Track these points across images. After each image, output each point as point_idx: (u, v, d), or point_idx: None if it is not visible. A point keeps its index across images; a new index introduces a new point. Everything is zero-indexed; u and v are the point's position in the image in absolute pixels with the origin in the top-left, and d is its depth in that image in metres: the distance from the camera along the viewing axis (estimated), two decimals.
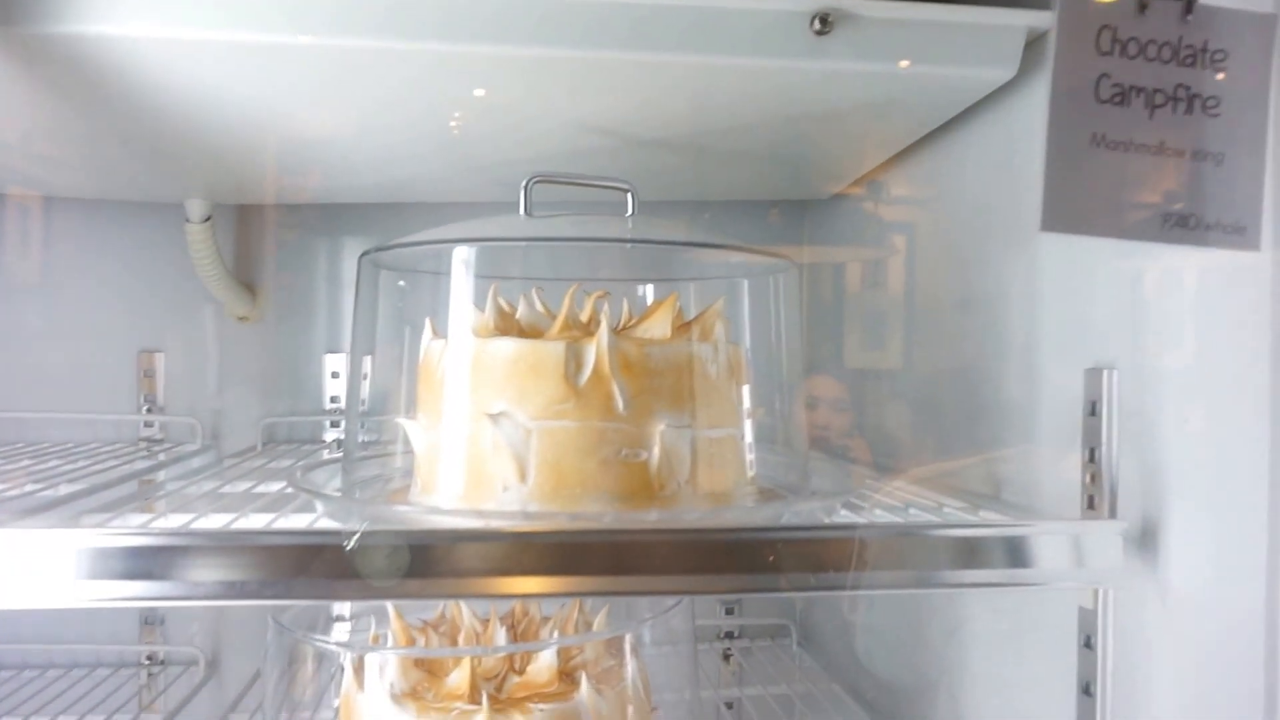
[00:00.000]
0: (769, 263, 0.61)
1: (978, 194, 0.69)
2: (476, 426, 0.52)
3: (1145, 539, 0.52)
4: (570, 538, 0.47)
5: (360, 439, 0.64)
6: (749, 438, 0.58)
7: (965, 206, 0.71)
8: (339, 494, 0.56)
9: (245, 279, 1.00)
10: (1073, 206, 0.47)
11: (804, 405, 0.63)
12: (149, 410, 0.97)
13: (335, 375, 1.00)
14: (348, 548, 0.44)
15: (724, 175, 0.87)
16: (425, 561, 0.45)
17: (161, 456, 0.83)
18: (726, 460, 0.55)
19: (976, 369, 0.68)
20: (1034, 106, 0.60)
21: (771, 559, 0.48)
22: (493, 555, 0.46)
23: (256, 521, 0.52)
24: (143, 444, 0.93)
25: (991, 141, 0.67)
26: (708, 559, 0.48)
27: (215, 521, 0.51)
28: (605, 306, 0.56)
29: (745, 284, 0.62)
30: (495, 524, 0.49)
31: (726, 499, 0.55)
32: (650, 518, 0.51)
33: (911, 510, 0.57)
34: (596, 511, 0.50)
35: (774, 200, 1.00)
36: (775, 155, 0.80)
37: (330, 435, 1.00)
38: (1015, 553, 0.51)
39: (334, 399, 1.00)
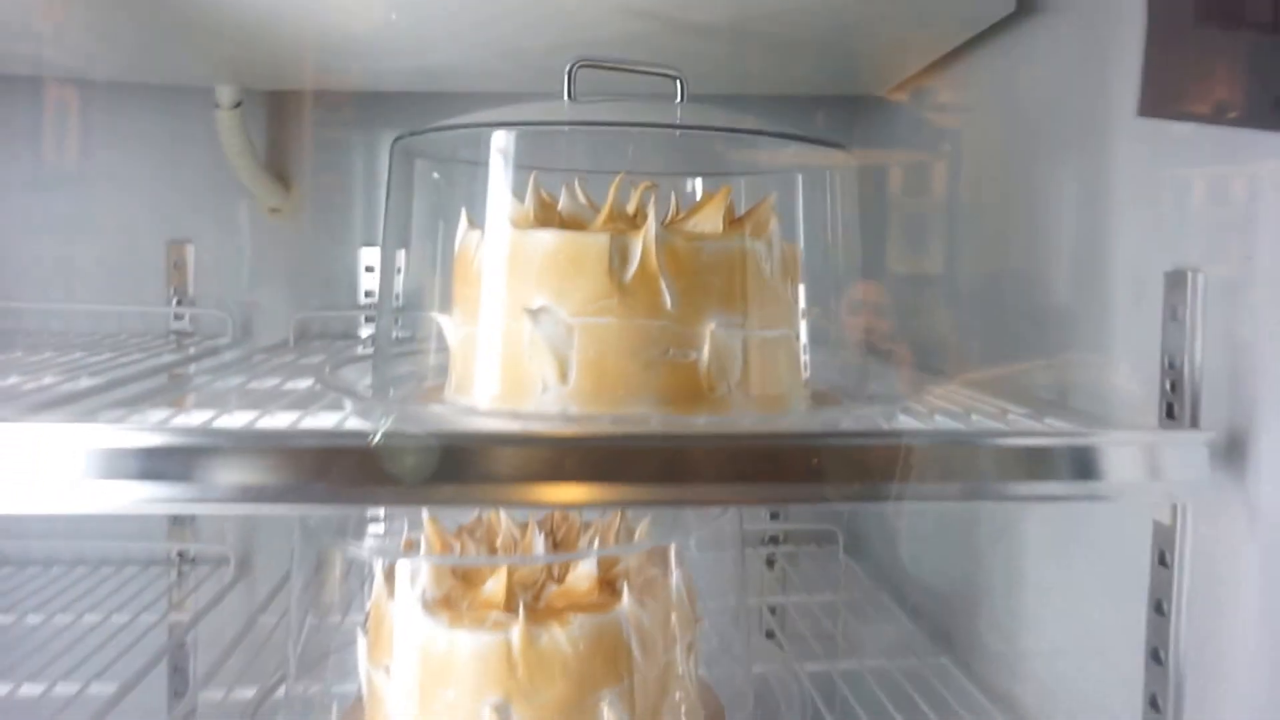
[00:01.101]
0: (826, 156, 0.57)
1: (1044, 92, 0.66)
2: (515, 323, 0.50)
3: (1231, 452, 0.48)
4: (613, 443, 0.45)
5: (394, 335, 0.62)
6: (803, 339, 0.56)
7: (1031, 106, 0.68)
8: (369, 392, 0.55)
9: (278, 170, 0.98)
10: (1174, 90, 0.42)
11: (861, 308, 0.60)
12: (178, 303, 0.96)
13: (370, 270, 0.98)
14: (371, 443, 0.41)
15: (770, 65, 0.84)
16: (458, 466, 0.43)
17: (191, 350, 0.82)
18: (779, 362, 0.53)
19: (1040, 274, 0.66)
20: None
21: (827, 467, 0.46)
22: (530, 460, 0.43)
23: (281, 421, 0.49)
24: (172, 337, 0.92)
25: (1060, 34, 0.64)
26: (761, 466, 0.45)
27: (238, 420, 0.48)
28: (652, 199, 0.53)
29: (799, 178, 0.59)
30: (533, 427, 0.47)
31: (780, 404, 0.53)
32: (699, 423, 0.49)
33: (974, 417, 0.54)
34: (641, 414, 0.48)
35: (822, 96, 0.96)
36: (824, 44, 0.77)
37: (365, 331, 0.98)
38: (1085, 463, 0.47)
39: (369, 294, 0.99)
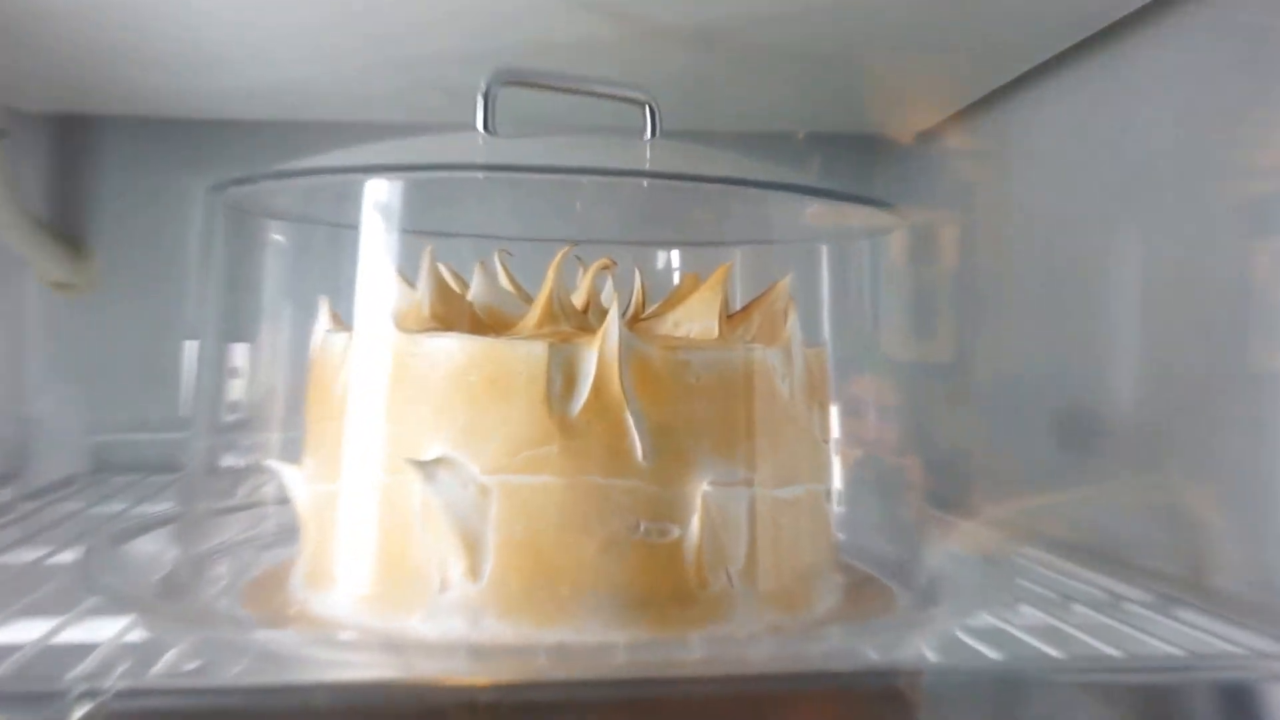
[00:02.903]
0: (868, 219, 0.56)
1: (1150, 131, 0.65)
2: (397, 482, 0.46)
3: None
4: (551, 695, 0.40)
5: (221, 468, 0.58)
6: (834, 493, 0.54)
7: (1129, 146, 0.67)
8: (159, 588, 0.50)
9: (67, 229, 0.94)
10: None
11: (912, 436, 0.60)
12: None
13: None
14: None
15: (769, 91, 0.84)
16: None
17: None
18: (803, 535, 0.50)
19: (1106, 373, 0.65)
20: None
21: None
22: None
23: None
24: None
25: (1188, 49, 0.62)
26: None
27: None
28: (610, 283, 0.53)
29: (825, 252, 0.57)
30: (416, 669, 0.42)
31: (803, 602, 0.49)
32: (691, 650, 0.43)
33: (1076, 607, 0.53)
34: (596, 637, 0.44)
35: (833, 135, 0.97)
36: (843, 62, 0.76)
37: None
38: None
39: None
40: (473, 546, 0.44)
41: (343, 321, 0.51)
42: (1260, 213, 0.55)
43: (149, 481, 0.88)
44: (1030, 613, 0.52)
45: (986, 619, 0.49)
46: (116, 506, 0.76)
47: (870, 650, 0.46)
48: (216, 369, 0.56)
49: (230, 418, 0.58)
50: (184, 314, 0.95)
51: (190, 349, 0.94)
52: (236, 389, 0.57)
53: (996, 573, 0.55)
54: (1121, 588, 0.56)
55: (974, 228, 0.82)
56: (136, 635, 0.45)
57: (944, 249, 0.86)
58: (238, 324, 0.56)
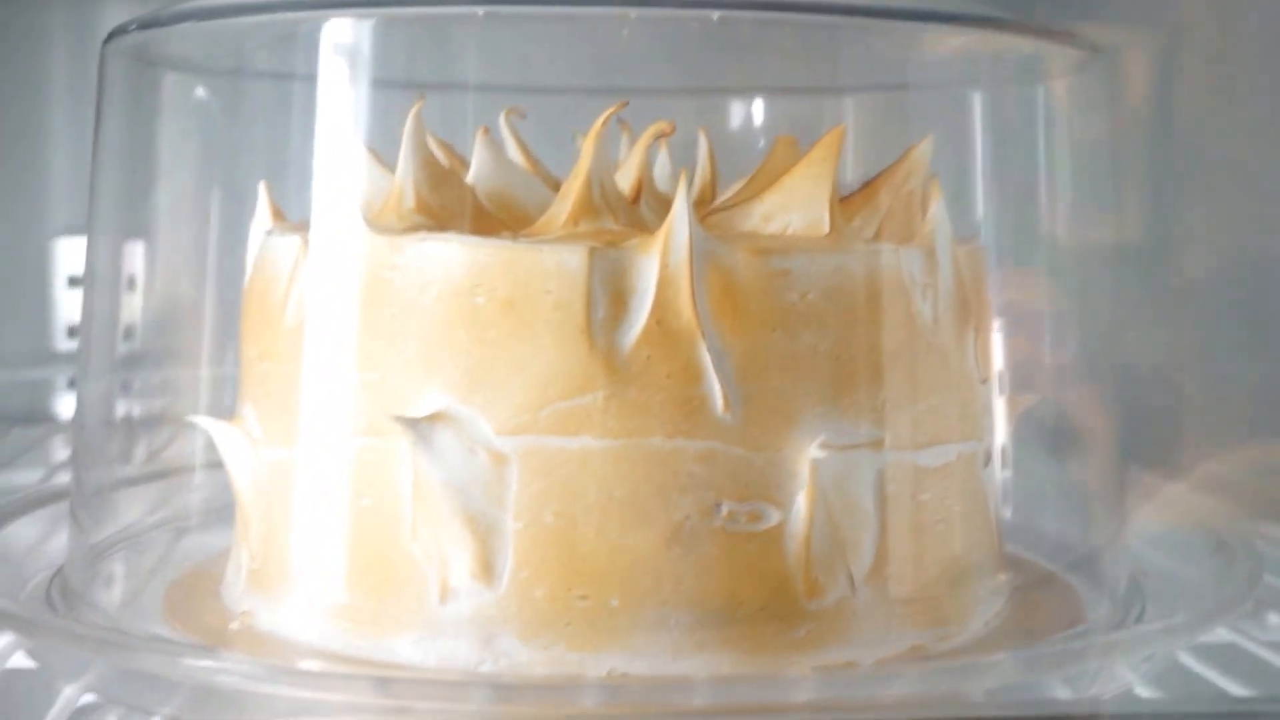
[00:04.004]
0: (1041, 52, 0.55)
1: None
2: (378, 448, 0.46)
3: None
4: None
5: (120, 417, 0.61)
6: (998, 453, 0.54)
7: None
8: (45, 595, 0.51)
9: None
10: None
11: (1095, 358, 0.59)
12: None
13: (74, 282, 0.98)
14: None
15: None
16: None
17: None
18: (953, 516, 0.50)
19: None
20: None
21: None
22: None
23: None
24: None
25: None
26: None
27: None
28: (663, 154, 0.54)
29: (978, 101, 0.57)
30: (405, 715, 0.42)
31: (954, 615, 0.50)
32: (799, 689, 0.43)
33: None
34: (662, 667, 0.45)
35: None
36: None
37: (69, 406, 0.98)
38: None
39: (72, 331, 0.99)
40: (484, 538, 0.44)
41: (286, 217, 0.51)
42: None
43: (10, 437, 0.90)
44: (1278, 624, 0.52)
45: (1219, 634, 0.49)
46: None
47: (1055, 685, 0.46)
48: (116, 283, 0.57)
49: (125, 348, 0.59)
50: (51, 200, 0.98)
51: (62, 251, 0.99)
52: (138, 307, 0.59)
53: (1231, 564, 0.55)
54: None
55: (1178, 53, 0.81)
56: (17, 662, 0.46)
57: (1134, 86, 0.85)
58: (142, 218, 0.57)
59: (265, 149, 0.55)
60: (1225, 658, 0.49)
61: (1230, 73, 0.79)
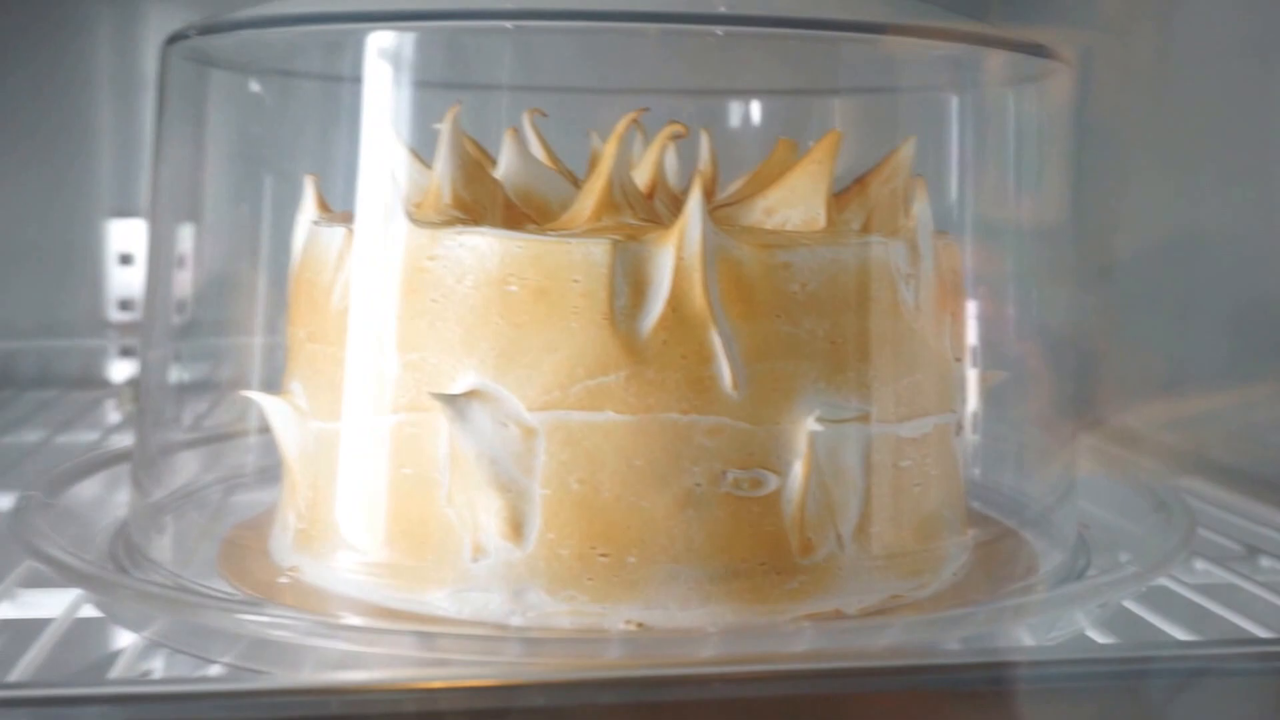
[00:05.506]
0: (1013, 61, 0.55)
1: None
2: (417, 422, 0.47)
3: None
4: (624, 695, 0.40)
5: (175, 383, 0.60)
6: (969, 423, 0.55)
7: None
8: (108, 552, 0.50)
9: None
10: None
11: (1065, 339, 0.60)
12: None
13: (128, 261, 0.97)
14: None
15: None
16: None
17: None
18: (930, 480, 0.51)
19: None
20: None
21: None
22: None
23: None
24: None
25: None
26: None
27: None
28: (673, 155, 0.54)
29: (955, 105, 0.58)
30: (447, 661, 0.42)
31: (927, 568, 0.50)
32: (798, 637, 0.45)
33: (1265, 562, 0.55)
34: (673, 618, 0.45)
35: None
36: None
37: (120, 372, 0.96)
38: None
39: (124, 304, 0.98)
40: (514, 502, 0.45)
41: (330, 208, 0.52)
42: None
43: (66, 400, 0.89)
44: (1207, 570, 0.53)
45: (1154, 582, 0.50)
46: (30, 436, 0.77)
47: (1022, 631, 0.46)
48: (172, 260, 0.57)
49: (179, 319, 0.59)
50: (100, 185, 0.97)
51: (113, 231, 0.98)
52: (191, 283, 0.59)
53: (1167, 518, 0.55)
54: None
55: (1119, 57, 0.81)
56: (86, 613, 0.46)
57: (1070, 87, 0.86)
58: (199, 203, 0.56)
59: (312, 147, 0.54)
60: (1160, 601, 0.50)
61: (1156, 72, 0.80)
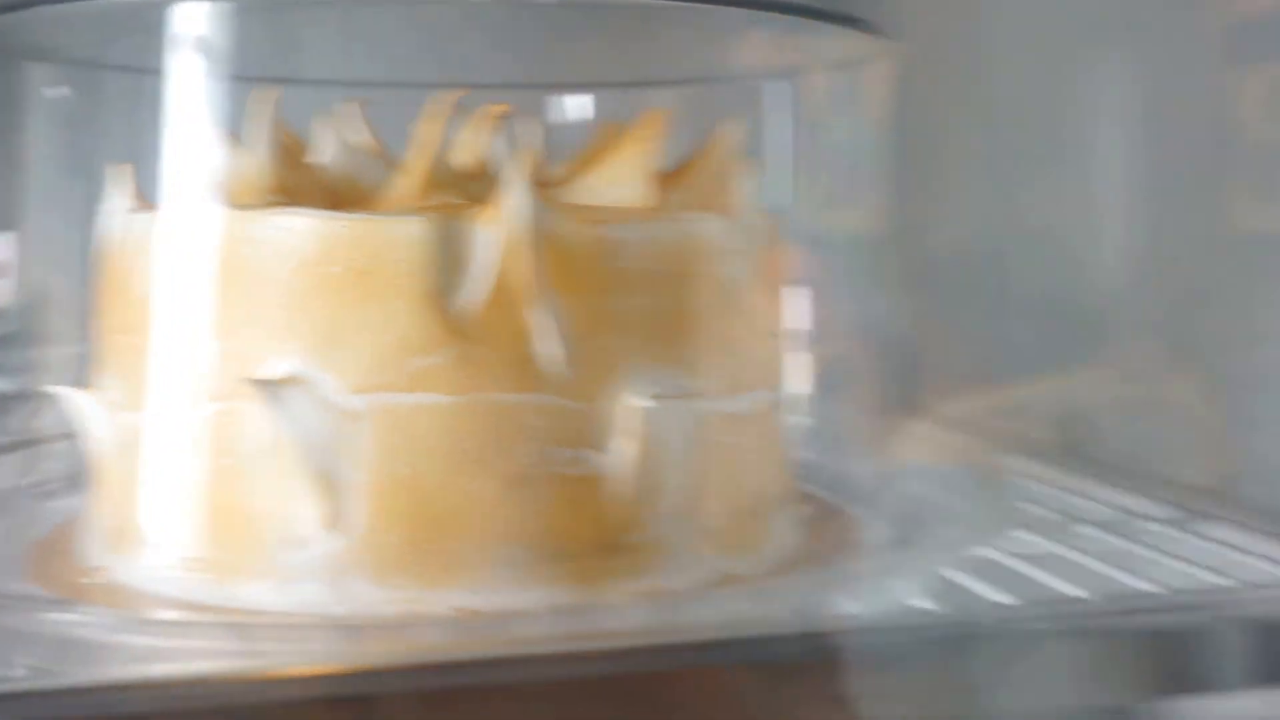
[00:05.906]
0: (838, 43, 0.56)
1: None
2: (231, 411, 0.46)
3: None
4: (448, 680, 0.39)
5: None
6: (801, 408, 0.57)
7: None
8: None
9: None
10: None
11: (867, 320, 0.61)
12: None
13: None
14: None
15: None
16: None
17: None
18: (753, 455, 0.51)
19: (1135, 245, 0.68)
20: None
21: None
22: None
23: None
24: None
25: None
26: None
27: None
28: (504, 145, 0.52)
29: (777, 91, 0.60)
30: (266, 657, 0.41)
31: (753, 544, 0.51)
32: (627, 614, 0.45)
33: (1081, 529, 0.55)
34: (502, 601, 0.45)
35: None
36: None
37: None
38: None
39: None
40: (335, 490, 0.44)
41: (147, 197, 0.50)
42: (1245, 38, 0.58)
43: None
44: (1029, 540, 0.54)
45: (977, 551, 0.51)
46: None
47: (846, 601, 0.47)
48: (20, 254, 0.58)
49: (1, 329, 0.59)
50: None
51: None
52: (2, 293, 0.59)
53: (986, 493, 0.57)
54: (1132, 501, 0.58)
55: (921, 65, 0.83)
56: None
57: (881, 90, 0.87)
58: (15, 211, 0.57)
59: (123, 136, 0.53)
60: (985, 571, 0.51)
61: (971, 79, 0.81)
